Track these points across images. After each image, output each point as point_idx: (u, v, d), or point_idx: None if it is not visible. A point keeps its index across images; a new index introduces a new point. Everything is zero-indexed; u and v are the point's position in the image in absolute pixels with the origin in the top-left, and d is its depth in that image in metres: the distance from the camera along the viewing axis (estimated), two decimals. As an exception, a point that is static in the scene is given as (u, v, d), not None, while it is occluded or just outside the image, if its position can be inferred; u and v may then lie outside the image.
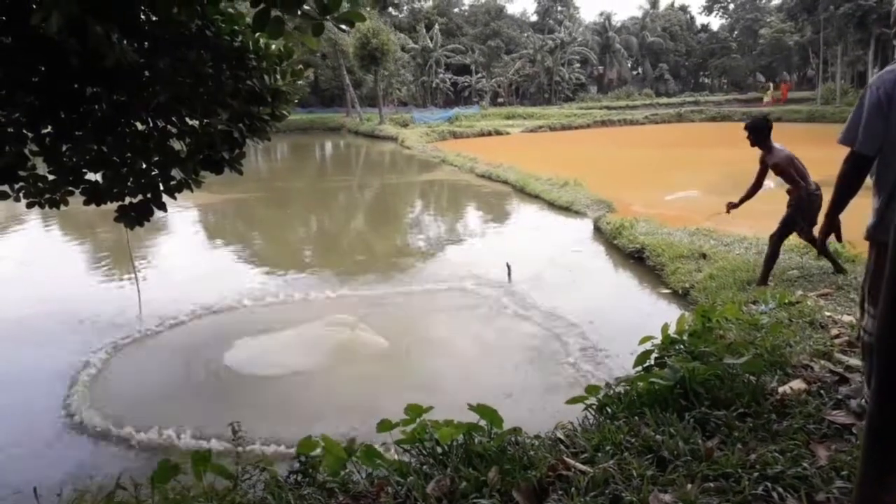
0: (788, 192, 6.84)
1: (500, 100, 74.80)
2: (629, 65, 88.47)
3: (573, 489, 2.46)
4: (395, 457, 3.04)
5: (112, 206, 5.47)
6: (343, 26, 4.86)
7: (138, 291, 8.95)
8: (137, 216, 5.69)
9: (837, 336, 4.31)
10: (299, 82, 5.77)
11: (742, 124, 6.94)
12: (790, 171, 6.52)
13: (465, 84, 74.69)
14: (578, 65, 77.87)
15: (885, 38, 50.29)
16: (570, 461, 2.66)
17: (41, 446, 5.35)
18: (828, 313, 5.06)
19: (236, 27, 5.16)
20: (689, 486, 2.48)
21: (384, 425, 3.12)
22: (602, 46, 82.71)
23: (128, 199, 5.53)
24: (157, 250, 12.66)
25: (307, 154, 40.58)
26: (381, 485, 2.67)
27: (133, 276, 9.40)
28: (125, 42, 4.73)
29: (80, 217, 14.34)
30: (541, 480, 2.52)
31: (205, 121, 5.42)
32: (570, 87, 76.19)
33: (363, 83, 62.29)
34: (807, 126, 38.38)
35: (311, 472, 2.77)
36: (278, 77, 5.57)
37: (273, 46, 5.39)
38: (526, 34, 77.21)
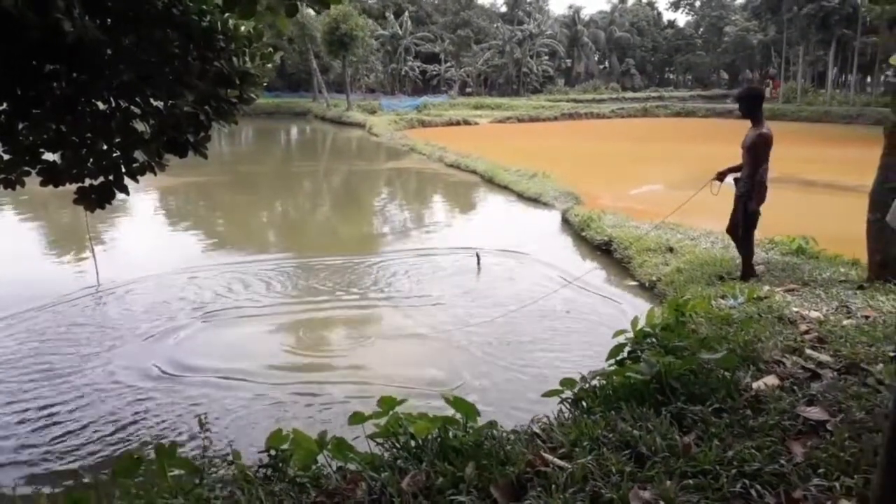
0: (737, 180, 6.81)
1: (469, 90, 74.71)
2: (596, 59, 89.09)
3: (552, 486, 2.42)
4: (369, 450, 2.96)
5: (71, 188, 5.28)
6: (316, 7, 4.74)
7: (97, 276, 8.70)
8: (98, 198, 5.50)
9: (807, 332, 4.36)
10: (268, 65, 5.63)
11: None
12: (766, 151, 6.47)
13: (434, 73, 74.38)
14: (547, 57, 78.17)
15: (846, 39, 51.59)
16: (548, 457, 2.62)
17: None
18: (795, 308, 5.13)
19: (205, 6, 4.99)
20: (669, 482, 2.46)
21: (356, 418, 3.04)
22: (570, 39, 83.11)
23: (88, 181, 5.35)
24: (114, 233, 12.30)
25: (272, 139, 39.97)
26: (353, 479, 2.59)
27: (93, 260, 9.11)
28: (87, 17, 4.54)
29: (36, 199, 13.87)
30: (519, 476, 2.48)
31: (170, 102, 5.24)
32: (539, 79, 76.42)
33: (331, 68, 61.59)
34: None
35: (280, 466, 2.68)
36: (247, 59, 5.42)
37: (242, 28, 5.23)
38: (495, 25, 77.13)
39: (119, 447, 4.72)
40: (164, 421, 5.13)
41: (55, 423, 5.12)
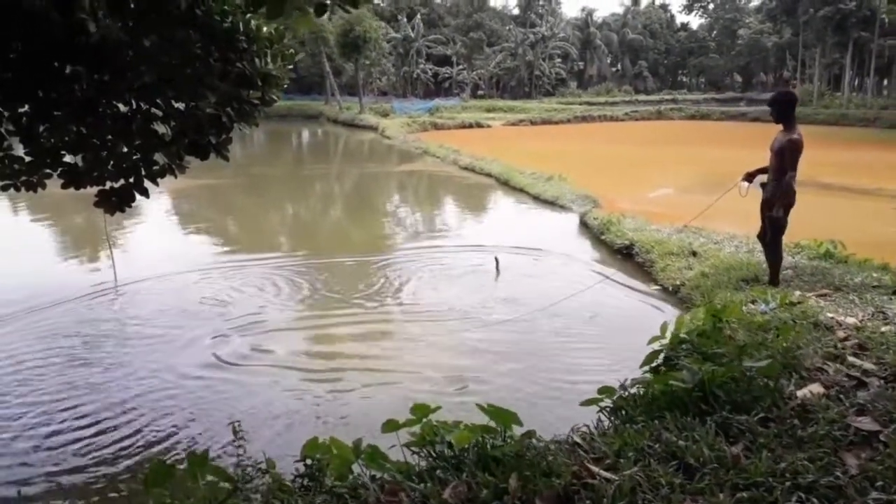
0: (763, 185, 6.70)
1: (481, 92, 74.66)
2: (609, 61, 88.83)
3: (600, 498, 2.33)
4: (403, 459, 2.88)
5: (90, 191, 5.24)
6: (346, 7, 4.68)
7: (115, 281, 8.69)
8: (118, 201, 5.47)
9: (846, 339, 4.24)
10: (289, 66, 5.58)
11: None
12: (795, 156, 6.36)
13: (446, 75, 74.43)
14: (559, 59, 78.04)
15: (863, 41, 51.14)
16: (594, 468, 2.53)
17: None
18: (830, 314, 5.01)
19: (227, 7, 4.95)
20: (721, 495, 2.37)
21: (390, 425, 2.96)
22: (583, 42, 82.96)
23: (108, 184, 5.31)
24: (130, 236, 12.32)
25: (285, 141, 40.07)
26: (392, 490, 2.51)
27: (111, 265, 9.11)
28: (110, 18, 4.50)
29: (48, 200, 13.90)
30: (566, 488, 2.39)
31: (191, 104, 5.20)
32: (551, 81, 76.31)
33: (343, 71, 61.67)
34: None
35: (317, 475, 2.60)
36: (269, 60, 5.37)
37: (265, 29, 5.19)
38: (508, 27, 77.10)
39: (151, 451, 4.69)
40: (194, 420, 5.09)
41: (88, 426, 5.09)
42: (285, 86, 5.74)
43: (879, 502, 2.37)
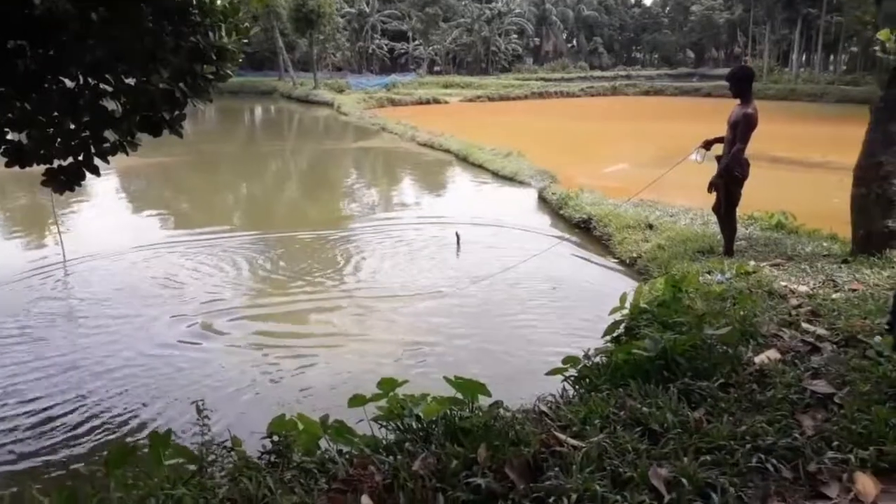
0: (718, 157, 6.82)
1: (438, 68, 74.15)
2: (564, 37, 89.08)
3: (569, 465, 2.36)
4: (370, 433, 2.87)
5: (38, 170, 5.06)
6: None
7: (64, 261, 8.43)
8: (67, 180, 5.29)
9: (799, 306, 4.38)
10: (244, 41, 5.44)
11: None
12: (748, 130, 6.47)
13: (402, 51, 73.68)
14: (515, 35, 77.92)
15: (811, 18, 52.31)
16: (561, 436, 2.56)
17: None
18: (783, 283, 5.16)
19: (179, -21, 4.79)
20: (685, 459, 2.42)
21: (356, 400, 2.95)
22: (538, 18, 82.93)
23: (56, 162, 5.13)
24: (78, 216, 11.95)
25: (238, 118, 39.21)
26: (361, 464, 2.51)
27: (59, 246, 8.82)
28: (56, -11, 4.31)
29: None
30: (534, 456, 2.41)
31: (143, 79, 5.03)
32: (507, 57, 76.20)
33: (296, 47, 60.48)
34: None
35: (285, 451, 2.58)
36: (223, 34, 5.22)
37: (218, 2, 5.04)
38: (464, 2, 76.48)
39: (111, 432, 4.60)
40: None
41: (43, 409, 4.95)
42: (240, 60, 5.60)
43: (835, 461, 2.46)
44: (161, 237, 10.31)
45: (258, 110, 44.59)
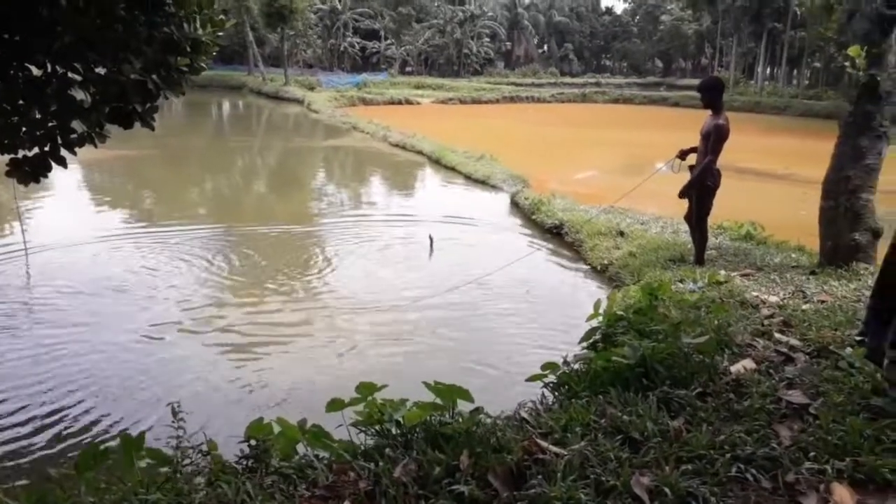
0: (692, 167, 6.91)
1: (409, 69, 74.08)
2: (536, 42, 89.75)
3: (552, 473, 2.35)
4: (348, 438, 2.83)
5: (1, 159, 4.91)
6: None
7: (26, 256, 8.17)
8: (33, 171, 5.14)
9: (771, 316, 4.44)
10: (220, 33, 5.35)
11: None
12: (719, 140, 6.55)
13: (374, 50, 73.39)
14: (488, 39, 78.24)
15: (776, 32, 53.54)
16: (544, 444, 2.55)
17: None
18: (754, 293, 5.23)
19: (153, -32, 4.69)
20: (667, 468, 2.43)
21: (335, 405, 2.90)
22: (511, 22, 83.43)
23: (21, 152, 4.98)
24: (39, 210, 11.63)
25: (206, 112, 38.62)
26: (341, 469, 2.46)
27: (23, 241, 8.54)
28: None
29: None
30: (518, 464, 2.39)
31: (114, 69, 4.90)
32: (479, 60, 76.48)
33: (267, 42, 59.83)
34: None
35: (262, 456, 2.52)
36: (198, 26, 5.13)
37: (193, -7, 4.96)
38: (437, 3, 76.61)
39: (80, 435, 4.46)
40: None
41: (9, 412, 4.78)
42: (214, 53, 5.51)
43: (812, 471, 2.49)
44: (125, 230, 10.11)
45: (227, 105, 43.97)
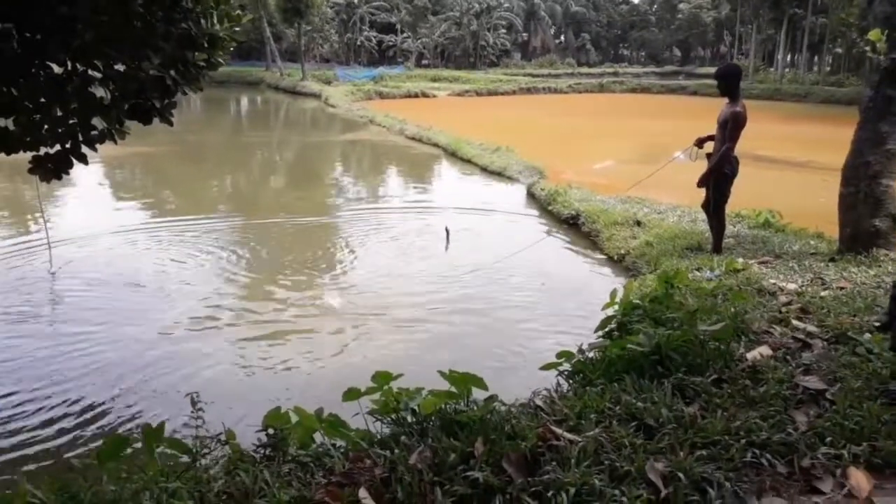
0: (709, 155, 6.85)
1: (426, 61, 73.99)
2: (552, 33, 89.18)
3: (566, 459, 2.36)
4: (365, 427, 2.86)
5: (23, 157, 4.99)
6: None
7: (49, 250, 8.30)
8: (55, 168, 5.22)
9: (789, 303, 4.42)
10: (237, 28, 5.39)
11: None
12: (737, 128, 6.50)
13: (391, 43, 73.42)
14: (504, 30, 77.92)
15: (797, 18, 52.73)
16: (558, 430, 2.56)
17: None
18: (772, 280, 5.20)
19: (171, -35, 4.73)
20: (681, 454, 2.44)
21: (351, 394, 2.94)
22: (527, 13, 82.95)
23: (43, 150, 5.06)
24: (60, 207, 11.83)
25: (224, 108, 38.87)
26: (357, 457, 2.49)
27: (46, 236, 8.69)
28: (42, -29, 4.25)
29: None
30: (532, 450, 2.41)
31: (133, 65, 4.96)
32: (496, 52, 76.20)
33: (283, 37, 60.07)
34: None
35: (280, 445, 2.56)
36: (215, 21, 5.17)
37: (210, -12, 4.99)
38: (452, -4, 76.33)
39: (102, 426, 4.54)
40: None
41: (27, 401, 4.88)
42: (231, 49, 5.55)
43: (828, 456, 2.49)
44: (145, 224, 10.25)
45: (245, 101, 44.26)
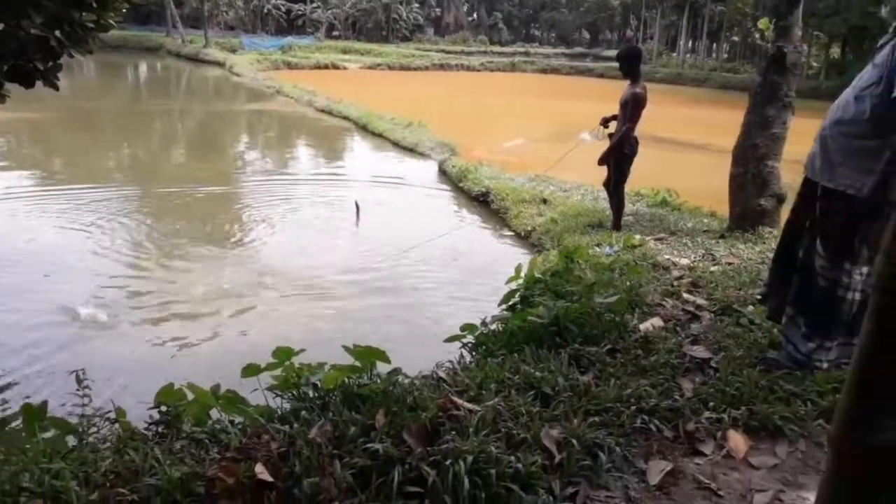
0: (611, 135, 7.09)
1: (336, 33, 72.29)
2: (465, 9, 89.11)
3: (465, 428, 2.40)
4: (264, 403, 2.81)
5: None
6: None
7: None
8: (-77, 129, 4.79)
9: (680, 277, 4.65)
10: (130, -11, 5.07)
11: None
12: (637, 109, 6.74)
13: (300, 12, 71.20)
14: (417, 4, 77.14)
15: (698, 5, 54.94)
16: (458, 400, 2.60)
17: None
18: (667, 256, 5.46)
19: (53, -90, 4.38)
20: (575, 420, 2.53)
21: (250, 370, 2.87)
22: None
23: None
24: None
25: (120, 74, 36.67)
26: (255, 433, 2.44)
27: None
28: None
29: None
30: (432, 420, 2.44)
31: (12, 23, 4.59)
32: (409, 26, 75.42)
33: (185, 1, 57.18)
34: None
35: (173, 422, 2.48)
36: (105, -20, 4.84)
37: (99, -58, 4.66)
38: (365, -35, 74.71)
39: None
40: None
41: None
42: (123, 10, 5.22)
43: (710, 420, 2.65)
44: (30, 193, 9.58)
45: (143, 67, 41.91)
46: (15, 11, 4.52)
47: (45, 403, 2.46)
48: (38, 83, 4.82)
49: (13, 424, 2.63)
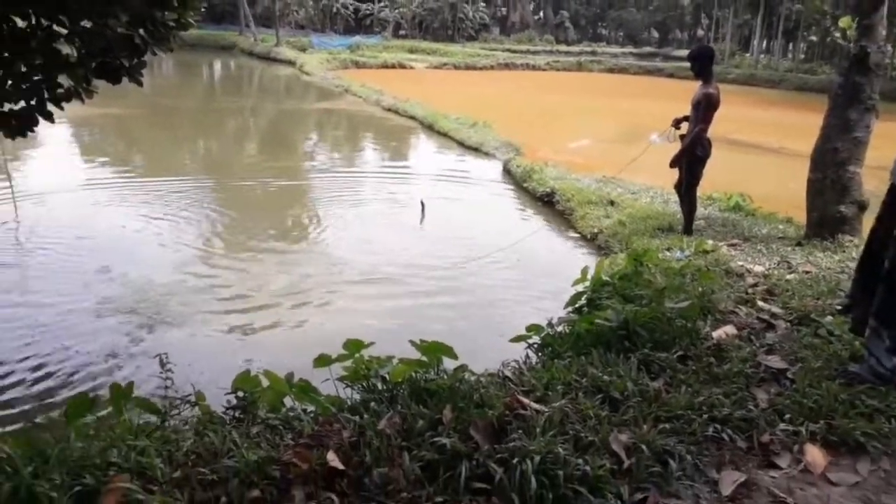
0: (682, 137, 6.92)
1: (403, 32, 72.98)
2: (531, 8, 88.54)
3: (532, 428, 2.40)
4: (335, 394, 2.87)
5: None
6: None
7: (15, 211, 8.11)
8: (19, 125, 5.08)
9: (755, 285, 4.51)
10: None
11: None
12: (709, 110, 6.57)
13: (368, 12, 72.20)
14: (483, 4, 77.07)
15: (773, 4, 53.04)
16: (525, 400, 2.60)
17: None
18: (740, 262, 5.30)
19: (139, -82, 4.58)
20: (644, 426, 2.49)
21: (322, 360, 2.94)
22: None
23: (7, 106, 4.91)
24: (27, 167, 11.54)
25: (196, 72, 38.01)
26: (327, 421, 2.51)
27: (10, 194, 8.47)
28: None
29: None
30: (499, 418, 2.45)
31: (100, 22, 4.82)
32: (474, 25, 75.42)
33: (258, 1, 58.74)
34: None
35: (249, 407, 2.56)
36: (185, -20, 5.04)
37: (180, -55, 4.86)
38: (432, -35, 75.16)
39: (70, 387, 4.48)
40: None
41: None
42: (203, 9, 5.42)
43: (786, 433, 2.56)
44: (116, 189, 10.05)
45: (218, 65, 43.34)
46: (103, 10, 4.75)
47: (131, 384, 2.58)
48: (124, 80, 5.06)
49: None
